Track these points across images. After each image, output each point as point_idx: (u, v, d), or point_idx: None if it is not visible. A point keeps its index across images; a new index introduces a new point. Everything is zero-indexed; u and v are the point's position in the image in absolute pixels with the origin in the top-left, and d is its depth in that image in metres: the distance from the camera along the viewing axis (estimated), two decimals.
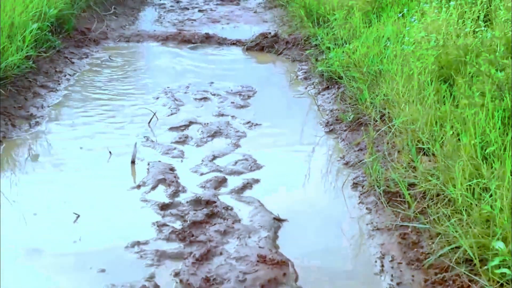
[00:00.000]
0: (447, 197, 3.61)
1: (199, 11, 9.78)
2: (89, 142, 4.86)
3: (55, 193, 4.08)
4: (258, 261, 3.38)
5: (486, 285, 2.91)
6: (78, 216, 3.78)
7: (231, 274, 3.26)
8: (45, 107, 5.48)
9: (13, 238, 3.53)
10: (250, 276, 3.25)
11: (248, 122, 5.37)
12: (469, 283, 3.05)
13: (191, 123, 5.33)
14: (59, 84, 6.07)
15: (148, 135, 5.01)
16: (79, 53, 7.05)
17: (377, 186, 4.05)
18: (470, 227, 3.20)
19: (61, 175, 4.35)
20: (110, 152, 4.64)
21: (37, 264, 3.33)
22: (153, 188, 4.18)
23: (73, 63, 6.71)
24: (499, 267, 2.85)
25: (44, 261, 3.35)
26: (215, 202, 3.99)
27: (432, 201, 3.69)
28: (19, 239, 3.53)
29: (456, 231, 3.21)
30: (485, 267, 2.96)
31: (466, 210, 3.34)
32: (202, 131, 5.15)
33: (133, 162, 4.51)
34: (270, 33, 7.92)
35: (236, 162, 4.60)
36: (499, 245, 2.85)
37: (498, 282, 2.89)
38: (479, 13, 5.49)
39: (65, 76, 6.29)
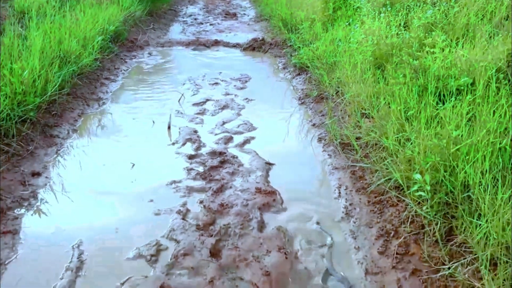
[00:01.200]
0: (382, 145, 3.55)
1: (210, 25, 9.51)
2: (139, 114, 4.73)
3: (117, 150, 3.99)
4: (256, 192, 3.33)
5: (410, 203, 2.88)
6: (134, 164, 3.70)
7: (238, 201, 3.21)
8: (108, 92, 5.33)
9: (89, 181, 3.46)
10: (250, 202, 3.21)
11: (246, 98, 5.24)
12: (398, 202, 3.03)
13: (207, 100, 5.20)
14: (117, 76, 5.91)
15: (179, 109, 4.89)
16: (130, 55, 6.86)
17: (335, 139, 3.97)
18: (398, 165, 3.14)
19: (120, 137, 4.24)
20: (153, 121, 4.53)
21: (106, 198, 3.27)
22: (183, 144, 4.09)
23: (126, 62, 6.53)
24: (418, 191, 2.81)
25: (111, 196, 3.29)
26: (225, 153, 3.91)
27: (372, 149, 3.63)
28: (93, 182, 3.46)
29: (389, 168, 3.16)
30: (408, 191, 2.92)
31: (395, 154, 3.28)
32: (215, 105, 5.02)
33: (169, 127, 4.40)
34: (259, 38, 7.71)
35: (238, 126, 4.50)
36: (417, 176, 2.81)
37: (416, 201, 2.86)
38: (400, 21, 5.41)
39: (121, 71, 6.12)
